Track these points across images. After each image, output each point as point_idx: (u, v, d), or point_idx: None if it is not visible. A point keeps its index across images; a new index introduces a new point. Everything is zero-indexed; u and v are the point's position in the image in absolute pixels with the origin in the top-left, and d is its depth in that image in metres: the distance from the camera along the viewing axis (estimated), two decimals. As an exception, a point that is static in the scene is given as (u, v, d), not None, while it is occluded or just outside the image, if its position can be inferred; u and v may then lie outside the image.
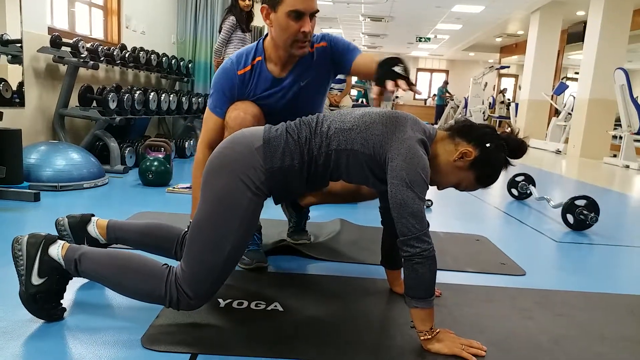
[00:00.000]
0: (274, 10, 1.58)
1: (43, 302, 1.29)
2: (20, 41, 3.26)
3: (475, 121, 1.49)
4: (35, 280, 1.28)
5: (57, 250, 1.32)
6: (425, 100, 20.07)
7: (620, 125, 7.17)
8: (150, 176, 3.20)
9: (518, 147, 1.39)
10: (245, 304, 1.47)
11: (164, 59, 4.93)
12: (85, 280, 1.54)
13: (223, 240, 1.28)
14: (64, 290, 1.35)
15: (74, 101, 3.75)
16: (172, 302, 1.28)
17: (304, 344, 1.27)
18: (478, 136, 1.36)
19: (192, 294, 1.27)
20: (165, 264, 1.32)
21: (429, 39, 15.40)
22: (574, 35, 11.28)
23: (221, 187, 1.30)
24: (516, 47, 15.21)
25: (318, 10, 1.62)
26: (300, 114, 1.46)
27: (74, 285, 1.53)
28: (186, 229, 1.58)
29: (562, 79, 10.55)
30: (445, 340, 1.27)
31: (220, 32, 4.63)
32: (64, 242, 1.36)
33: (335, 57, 1.74)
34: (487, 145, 1.35)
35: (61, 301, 1.34)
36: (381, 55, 1.44)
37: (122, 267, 1.32)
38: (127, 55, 4.25)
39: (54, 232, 1.53)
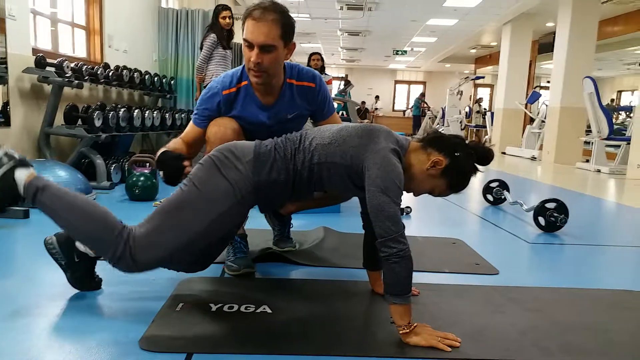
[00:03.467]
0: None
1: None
2: (5, 62, 3.32)
3: (452, 130, 1.64)
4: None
5: (24, 175, 1.43)
6: (404, 111, 20.41)
7: (591, 132, 7.44)
8: (137, 191, 3.27)
9: (485, 155, 1.52)
10: (236, 307, 1.56)
11: (146, 76, 5.01)
12: (76, 291, 1.62)
13: (191, 226, 1.40)
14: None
15: (59, 120, 3.80)
16: (114, 255, 1.38)
17: (292, 341, 1.37)
18: (448, 146, 1.48)
19: (136, 256, 1.37)
20: (124, 224, 1.42)
21: (405, 51, 15.73)
22: (545, 46, 11.67)
23: (211, 183, 1.42)
24: (490, 57, 15.62)
25: (272, 45, 1.64)
26: (283, 132, 1.58)
27: (69, 292, 1.61)
28: None
29: (534, 88, 10.88)
30: (422, 334, 1.37)
31: (201, 49, 4.74)
32: (33, 170, 1.47)
33: (314, 104, 1.87)
34: (457, 154, 1.47)
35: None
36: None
37: (83, 211, 1.43)
38: (110, 73, 4.32)
39: (44, 250, 1.60)
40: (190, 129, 1.84)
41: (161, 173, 1.58)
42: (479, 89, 19.49)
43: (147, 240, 1.39)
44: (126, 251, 1.37)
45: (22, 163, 1.46)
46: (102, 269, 1.68)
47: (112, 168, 3.79)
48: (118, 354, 1.25)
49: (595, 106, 7.08)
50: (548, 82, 9.72)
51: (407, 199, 1.47)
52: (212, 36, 4.67)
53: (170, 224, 1.41)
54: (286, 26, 1.67)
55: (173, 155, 1.61)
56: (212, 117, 1.81)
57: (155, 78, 5.24)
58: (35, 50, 3.73)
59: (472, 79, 13.96)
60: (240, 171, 1.44)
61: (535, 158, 8.93)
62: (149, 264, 1.43)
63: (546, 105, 9.10)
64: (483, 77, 15.31)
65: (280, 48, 1.68)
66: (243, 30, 1.68)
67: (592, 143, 7.33)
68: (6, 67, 3.34)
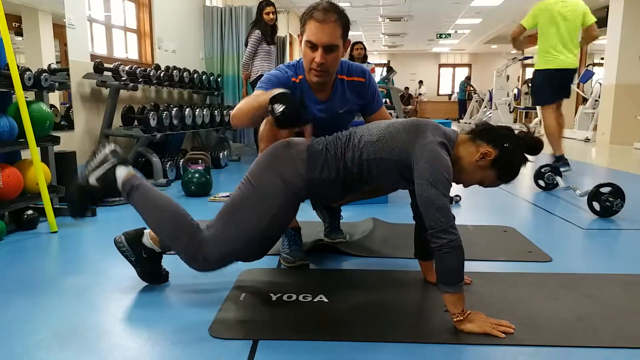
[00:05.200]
0: (302, 37, 1.76)
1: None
2: (67, 69, 3.53)
3: (501, 113, 1.66)
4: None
5: (124, 173, 1.61)
6: (450, 95, 20.00)
7: (649, 110, 7.09)
8: (193, 187, 3.43)
9: (534, 145, 1.53)
10: (294, 297, 1.64)
11: (195, 75, 5.17)
12: (145, 284, 1.76)
13: (251, 224, 1.51)
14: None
15: (116, 121, 4.01)
16: (187, 256, 1.54)
17: (350, 327, 1.43)
18: (497, 137, 1.50)
19: (207, 256, 1.51)
20: (196, 223, 1.57)
21: (449, 34, 15.40)
22: (598, 21, 11.08)
23: (265, 180, 1.53)
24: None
25: (336, 45, 1.72)
26: (334, 130, 1.65)
27: (139, 285, 1.75)
28: None
29: (587, 66, 10.41)
30: (476, 321, 1.40)
31: (246, 46, 4.85)
32: (132, 169, 1.63)
33: (364, 98, 1.92)
34: (506, 145, 1.49)
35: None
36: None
37: (164, 213, 1.58)
38: (162, 74, 4.50)
39: (112, 247, 1.74)
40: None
41: (279, 108, 1.38)
42: (528, 70, 18.82)
43: (214, 242, 1.53)
44: (198, 253, 1.52)
45: (124, 161, 1.64)
46: (168, 263, 1.81)
47: (168, 166, 3.97)
48: (190, 341, 1.36)
49: (654, 83, 6.73)
50: (602, 59, 9.30)
51: (456, 187, 1.50)
52: (257, 32, 4.76)
53: (233, 223, 1.53)
54: (345, 26, 1.75)
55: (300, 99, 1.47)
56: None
57: (203, 76, 5.41)
58: (93, 56, 3.94)
59: (520, 60, 13.50)
60: (294, 168, 1.52)
61: (589, 139, 8.59)
62: (219, 262, 1.56)
63: (600, 84, 8.72)
64: (531, 57, 14.73)
65: (341, 47, 1.76)
66: (303, 32, 1.75)
67: (651, 121, 6.99)
68: (68, 74, 3.55)
